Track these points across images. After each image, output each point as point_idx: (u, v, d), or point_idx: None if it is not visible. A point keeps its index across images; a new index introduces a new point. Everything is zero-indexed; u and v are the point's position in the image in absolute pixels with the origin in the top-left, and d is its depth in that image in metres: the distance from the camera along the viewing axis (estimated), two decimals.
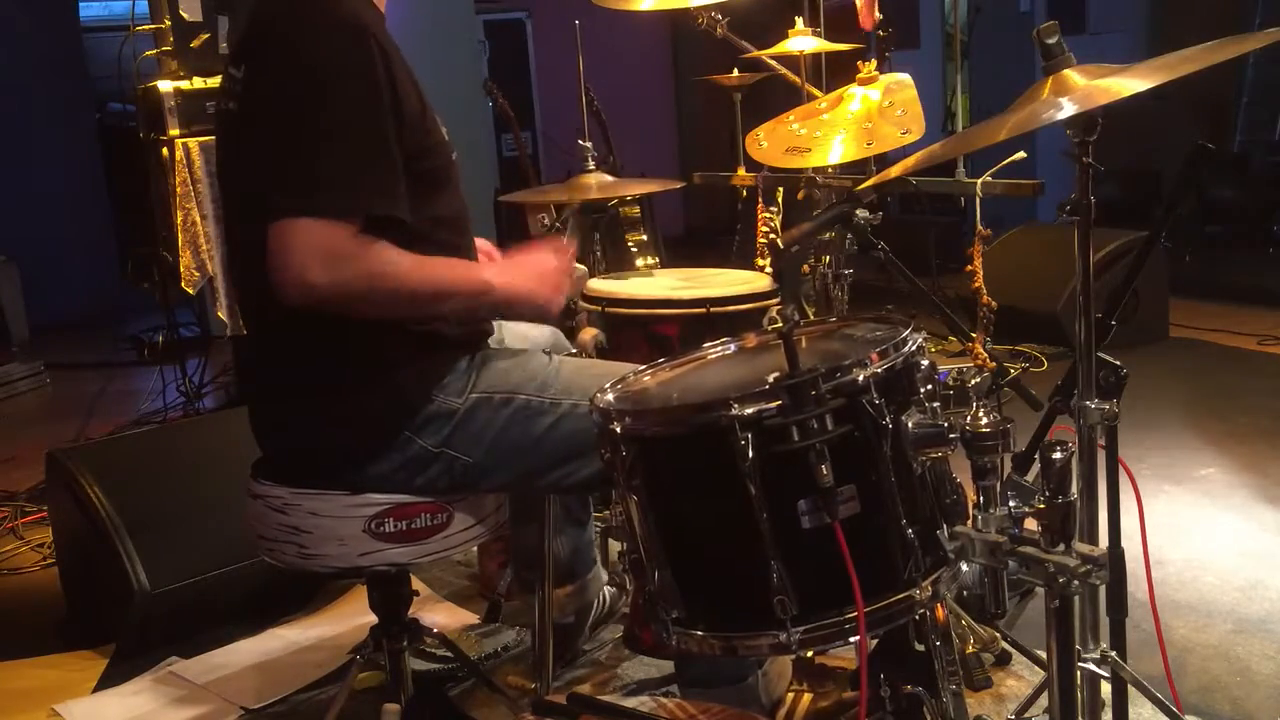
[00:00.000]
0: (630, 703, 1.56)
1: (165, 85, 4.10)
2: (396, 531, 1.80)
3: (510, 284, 1.85)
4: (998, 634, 2.40)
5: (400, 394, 1.77)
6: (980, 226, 2.28)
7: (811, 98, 2.65)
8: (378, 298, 1.69)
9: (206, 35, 4.20)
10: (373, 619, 2.00)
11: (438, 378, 1.79)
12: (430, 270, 1.75)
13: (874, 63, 2.41)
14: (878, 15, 2.60)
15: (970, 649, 2.34)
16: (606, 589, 2.64)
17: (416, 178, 1.74)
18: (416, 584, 2.49)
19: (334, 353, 1.76)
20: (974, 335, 2.34)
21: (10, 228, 6.81)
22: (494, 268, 1.95)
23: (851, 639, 1.38)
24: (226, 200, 1.94)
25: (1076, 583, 1.31)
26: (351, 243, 1.65)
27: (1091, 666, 1.82)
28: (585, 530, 2.53)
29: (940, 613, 1.59)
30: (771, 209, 2.67)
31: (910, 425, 1.40)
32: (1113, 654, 1.84)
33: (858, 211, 2.28)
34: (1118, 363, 1.74)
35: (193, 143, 4.04)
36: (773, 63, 2.80)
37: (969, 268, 2.31)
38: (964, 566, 1.45)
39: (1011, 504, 1.39)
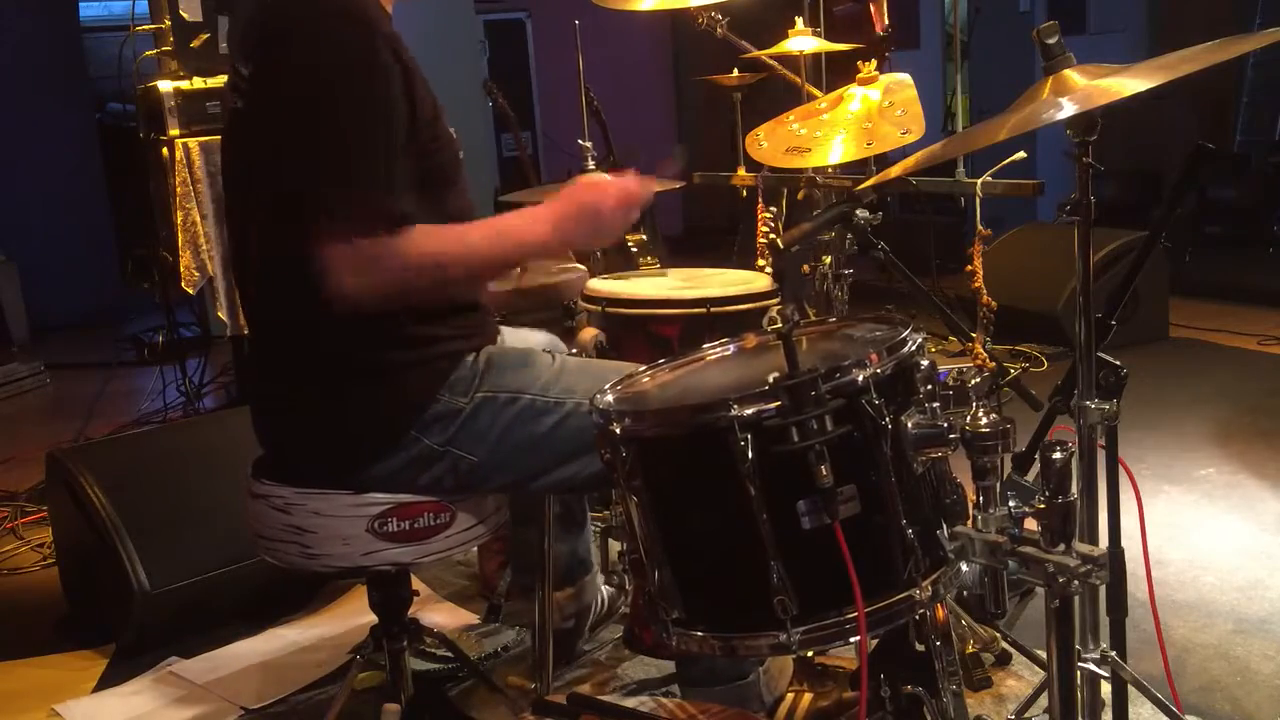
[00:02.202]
0: (630, 703, 1.56)
1: (165, 85, 4.10)
2: (399, 531, 1.80)
3: (566, 236, 1.80)
4: (998, 634, 2.40)
5: (406, 393, 1.77)
6: (980, 226, 2.28)
7: (811, 98, 2.65)
8: (419, 285, 1.69)
9: (206, 35, 4.19)
10: (373, 619, 2.00)
11: (443, 377, 1.79)
12: (472, 245, 1.73)
13: (874, 63, 2.41)
14: (885, 20, 2.59)
15: (970, 649, 2.34)
16: (605, 589, 2.64)
17: (426, 174, 1.74)
18: (416, 584, 2.49)
19: (339, 353, 1.76)
20: (974, 335, 2.34)
21: (10, 228, 6.80)
22: (550, 222, 1.79)
23: (851, 639, 1.38)
24: (231, 199, 1.92)
25: (1076, 583, 1.31)
26: (376, 247, 1.63)
27: (1091, 666, 1.82)
28: (584, 533, 2.53)
29: (940, 613, 1.59)
30: (771, 209, 2.67)
31: (910, 425, 1.40)
32: (1113, 654, 1.84)
33: (858, 211, 2.28)
34: (1118, 363, 1.74)
35: (193, 143, 4.04)
36: (773, 63, 2.80)
37: (969, 268, 2.31)
38: (964, 566, 1.45)
39: (1011, 504, 1.39)
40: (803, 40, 2.70)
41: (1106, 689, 1.86)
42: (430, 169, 1.76)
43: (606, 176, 1.85)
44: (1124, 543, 1.84)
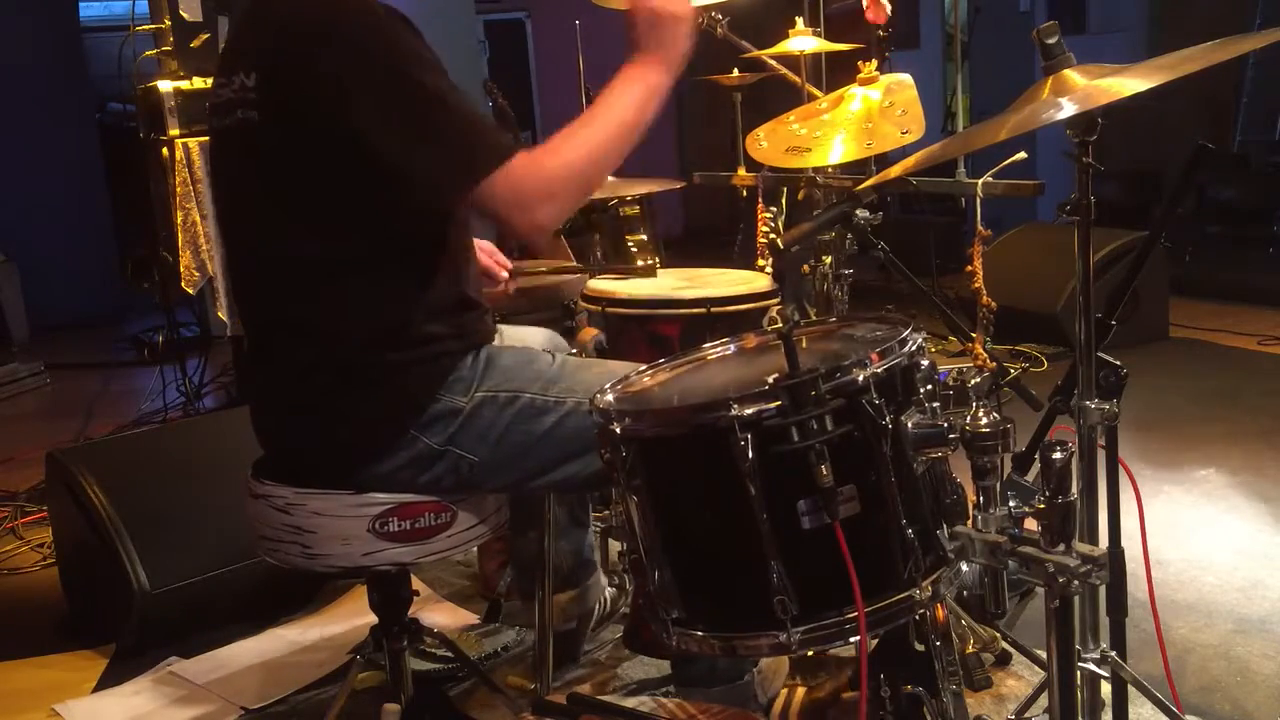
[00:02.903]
0: (630, 703, 1.57)
1: (165, 85, 4.10)
2: (400, 531, 1.80)
3: (664, 53, 1.81)
4: (998, 634, 2.40)
5: (405, 392, 1.77)
6: (980, 226, 2.28)
7: (811, 98, 2.65)
8: (590, 184, 1.75)
9: (206, 35, 4.20)
10: (373, 619, 2.00)
11: (443, 376, 1.79)
12: (603, 124, 1.74)
13: (874, 63, 2.41)
14: (888, 10, 2.57)
15: (970, 649, 2.34)
16: (607, 590, 2.64)
17: None
18: (416, 584, 2.49)
19: (338, 353, 1.76)
20: (974, 335, 2.33)
21: (10, 228, 6.81)
22: (641, 67, 1.81)
23: (851, 639, 1.38)
24: (230, 205, 1.91)
25: (1076, 583, 1.31)
26: (531, 176, 1.66)
27: (1091, 666, 1.82)
28: (586, 534, 2.53)
29: (940, 613, 1.59)
30: (771, 209, 2.67)
31: (910, 425, 1.40)
32: (1113, 654, 1.84)
33: (858, 211, 2.28)
34: (1118, 363, 1.74)
35: (193, 143, 4.04)
36: (773, 63, 2.80)
37: (969, 268, 2.31)
38: (964, 566, 1.45)
39: (1011, 504, 1.39)
40: (803, 40, 2.70)
41: (1106, 689, 1.86)
42: None
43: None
44: (1124, 543, 1.84)
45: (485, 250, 2.23)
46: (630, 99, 1.77)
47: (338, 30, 1.67)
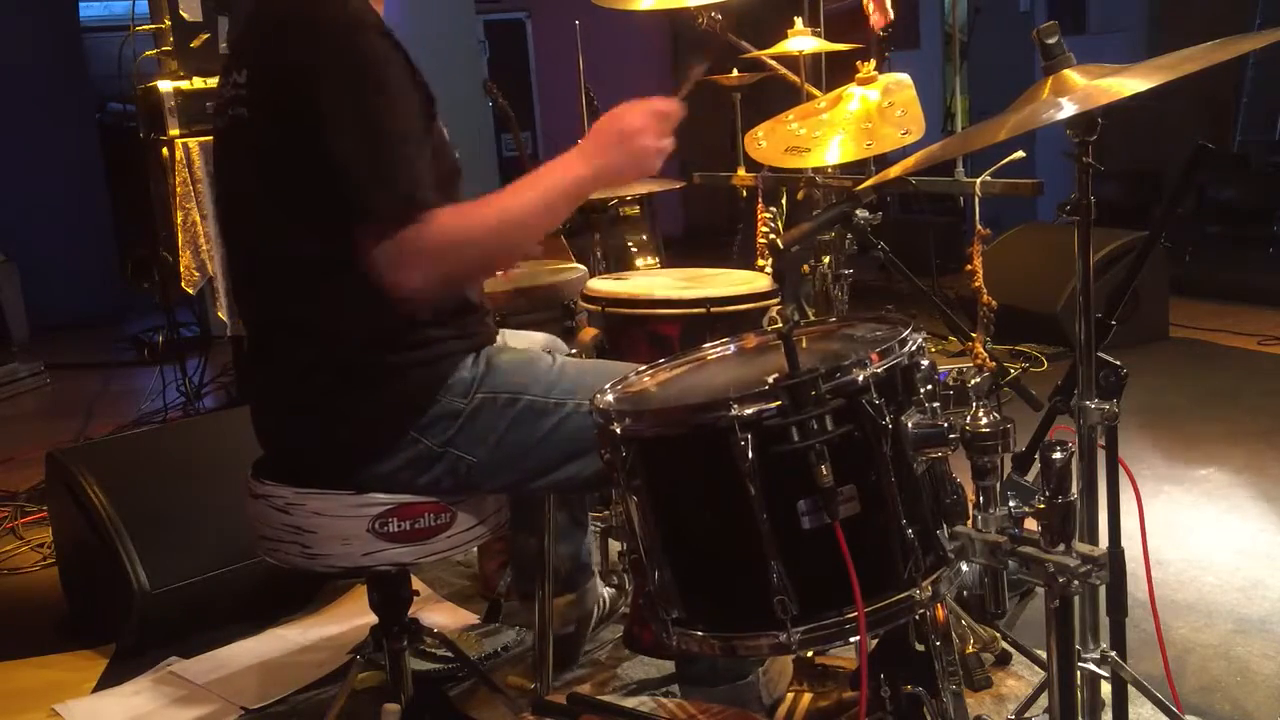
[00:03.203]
0: (630, 703, 1.57)
1: (165, 85, 4.10)
2: (400, 531, 1.80)
3: (604, 167, 1.76)
4: (998, 634, 2.40)
5: (405, 394, 1.77)
6: (980, 226, 2.28)
7: (811, 98, 2.65)
8: (476, 266, 1.72)
9: (206, 35, 4.20)
10: (373, 619, 2.00)
11: (442, 378, 1.79)
12: (508, 208, 1.70)
13: (873, 63, 2.41)
14: (890, 15, 2.57)
15: (970, 649, 2.34)
16: (606, 590, 2.64)
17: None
18: (416, 584, 2.49)
19: (338, 353, 1.76)
20: (974, 335, 2.33)
21: (10, 228, 6.81)
22: (582, 158, 1.76)
23: (851, 639, 1.38)
24: (229, 203, 1.92)
25: (1076, 583, 1.31)
26: (425, 237, 1.62)
27: (1091, 666, 1.82)
28: (585, 537, 2.53)
29: (940, 613, 1.59)
30: (771, 209, 2.67)
31: (910, 425, 1.40)
32: (1113, 654, 1.84)
33: (858, 211, 2.28)
34: (1118, 363, 1.74)
35: (193, 143, 4.04)
36: (773, 63, 2.80)
37: (969, 268, 2.31)
38: (964, 566, 1.45)
39: (1011, 504, 1.39)
40: (802, 40, 2.70)
41: (1106, 689, 1.86)
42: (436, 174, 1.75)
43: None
44: (1124, 543, 1.84)
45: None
46: (556, 193, 1.74)
47: (318, 27, 1.68)
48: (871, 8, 2.51)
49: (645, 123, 1.78)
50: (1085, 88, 1.50)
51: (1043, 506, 1.32)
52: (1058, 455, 1.32)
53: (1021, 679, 2.35)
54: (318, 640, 2.82)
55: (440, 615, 2.90)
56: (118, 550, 2.71)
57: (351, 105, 1.64)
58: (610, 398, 1.55)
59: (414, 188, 1.64)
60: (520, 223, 1.72)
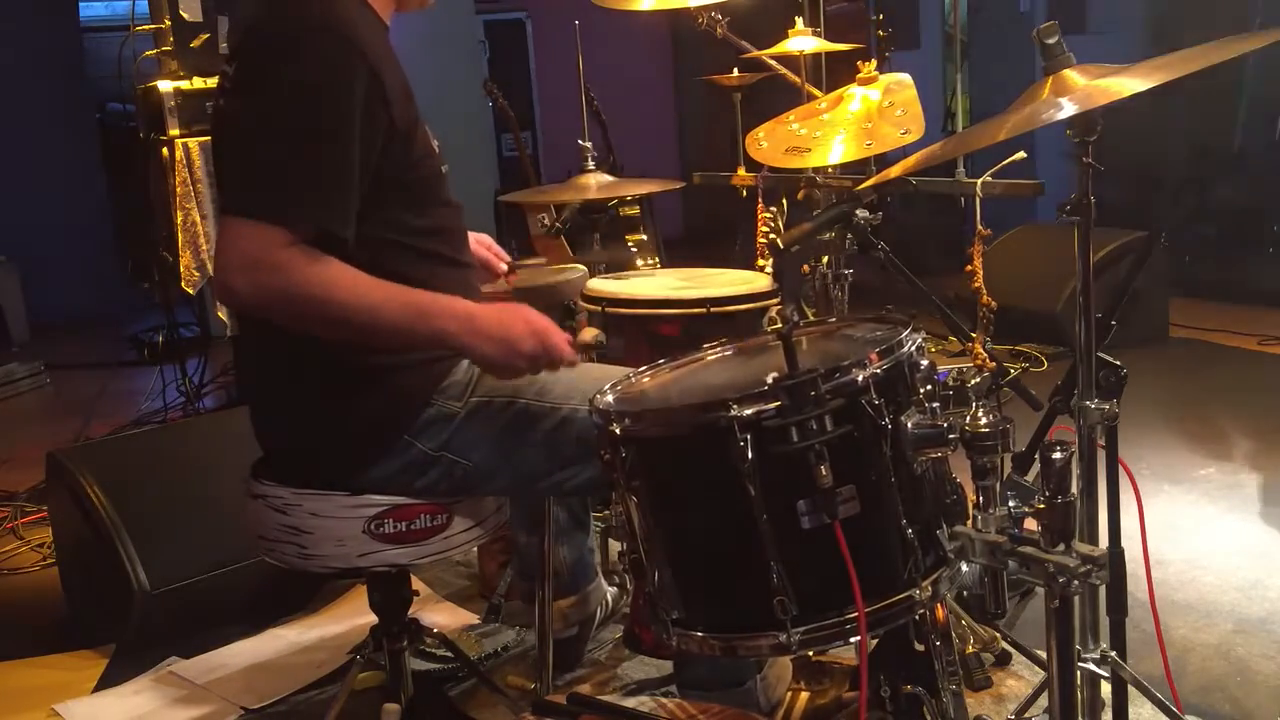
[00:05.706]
0: (630, 703, 1.56)
1: (165, 85, 4.10)
2: (396, 532, 1.80)
3: (473, 343, 1.67)
4: (998, 634, 2.40)
5: (400, 397, 1.77)
6: (980, 226, 2.28)
7: (811, 98, 2.65)
8: (306, 314, 1.60)
9: (206, 35, 4.20)
10: (373, 619, 2.00)
11: (437, 381, 1.78)
12: (378, 303, 1.62)
13: (874, 63, 2.41)
14: None
15: (970, 649, 2.34)
16: (609, 592, 2.64)
17: (404, 188, 1.73)
18: (416, 584, 2.49)
19: (332, 355, 1.75)
20: (974, 335, 2.34)
21: (10, 228, 6.81)
22: (463, 319, 1.68)
23: (851, 639, 1.38)
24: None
25: (1076, 583, 1.31)
26: (282, 253, 1.56)
27: (1091, 666, 1.82)
28: (587, 537, 2.53)
29: (940, 613, 1.59)
30: (771, 209, 2.67)
31: (910, 425, 1.40)
32: (1113, 654, 1.84)
33: (858, 211, 2.28)
34: (1118, 363, 1.74)
35: (193, 143, 4.04)
36: (773, 63, 2.80)
37: (969, 268, 2.31)
38: (964, 566, 1.45)
39: (1011, 504, 1.39)
40: (802, 40, 2.70)
41: (1106, 689, 1.86)
42: (408, 182, 1.73)
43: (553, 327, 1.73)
44: (1124, 543, 1.84)
45: (483, 243, 2.22)
46: (424, 327, 1.66)
47: (278, 41, 1.65)
48: None
49: (533, 347, 1.69)
50: (1085, 88, 1.50)
51: (1043, 506, 1.32)
52: (1058, 455, 1.33)
53: (1021, 679, 2.35)
54: (317, 640, 2.82)
55: (440, 615, 2.90)
56: (118, 550, 2.71)
57: (258, 95, 1.63)
58: (610, 398, 1.55)
59: (283, 191, 1.58)
60: (384, 326, 1.63)
